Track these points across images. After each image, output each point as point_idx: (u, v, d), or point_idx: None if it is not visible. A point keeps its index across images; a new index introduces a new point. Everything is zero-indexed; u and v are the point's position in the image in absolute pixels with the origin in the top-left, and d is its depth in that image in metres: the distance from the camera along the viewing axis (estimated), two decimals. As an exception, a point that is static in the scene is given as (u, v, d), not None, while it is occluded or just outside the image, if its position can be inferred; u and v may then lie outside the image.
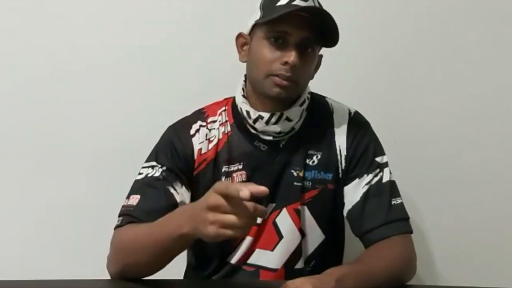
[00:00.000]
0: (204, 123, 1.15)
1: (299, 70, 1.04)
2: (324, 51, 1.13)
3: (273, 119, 1.08)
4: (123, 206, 1.07)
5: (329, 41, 1.07)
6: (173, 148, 1.12)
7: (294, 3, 1.03)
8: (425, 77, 1.56)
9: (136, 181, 1.10)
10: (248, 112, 1.10)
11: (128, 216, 1.04)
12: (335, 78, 1.50)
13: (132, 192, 1.09)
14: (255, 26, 1.08)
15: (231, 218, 0.79)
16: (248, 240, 1.11)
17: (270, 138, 1.11)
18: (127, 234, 1.02)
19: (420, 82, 1.56)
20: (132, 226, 1.02)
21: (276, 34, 1.04)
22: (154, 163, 1.11)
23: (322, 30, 1.04)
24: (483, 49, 1.54)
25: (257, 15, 1.07)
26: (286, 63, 1.02)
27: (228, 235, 0.80)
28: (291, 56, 1.02)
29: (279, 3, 1.04)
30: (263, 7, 1.07)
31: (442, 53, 1.54)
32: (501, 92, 1.55)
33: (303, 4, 1.03)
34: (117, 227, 1.05)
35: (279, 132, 1.10)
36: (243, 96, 1.13)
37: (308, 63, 1.07)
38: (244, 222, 0.79)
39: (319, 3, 1.09)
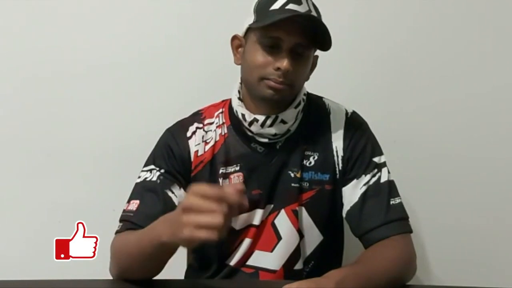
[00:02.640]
0: (200, 125, 1.15)
1: (293, 75, 1.04)
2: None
3: (268, 122, 1.08)
4: (123, 211, 1.08)
5: (322, 45, 1.06)
6: (170, 151, 1.12)
7: (287, 7, 1.02)
8: (425, 77, 1.55)
9: (136, 185, 1.11)
10: (243, 115, 1.10)
11: (127, 222, 1.06)
12: (335, 78, 1.50)
13: (132, 197, 1.09)
14: (249, 30, 1.08)
15: (204, 217, 0.74)
16: (247, 241, 1.11)
17: (266, 140, 1.11)
18: (120, 241, 1.03)
19: (420, 82, 1.55)
20: (126, 233, 1.03)
21: (269, 40, 1.03)
22: (152, 167, 1.11)
23: (315, 34, 1.03)
24: (483, 49, 1.53)
25: (251, 18, 1.07)
26: (278, 68, 1.02)
27: (202, 237, 0.74)
28: (284, 62, 1.01)
29: (272, 7, 1.03)
30: (257, 11, 1.06)
31: (442, 53, 1.54)
32: (501, 92, 1.55)
33: (296, 8, 1.02)
34: (117, 232, 1.06)
35: (275, 134, 1.10)
36: (239, 98, 1.13)
37: (302, 66, 1.06)
38: (218, 221, 0.74)
39: (313, 4, 1.07)
